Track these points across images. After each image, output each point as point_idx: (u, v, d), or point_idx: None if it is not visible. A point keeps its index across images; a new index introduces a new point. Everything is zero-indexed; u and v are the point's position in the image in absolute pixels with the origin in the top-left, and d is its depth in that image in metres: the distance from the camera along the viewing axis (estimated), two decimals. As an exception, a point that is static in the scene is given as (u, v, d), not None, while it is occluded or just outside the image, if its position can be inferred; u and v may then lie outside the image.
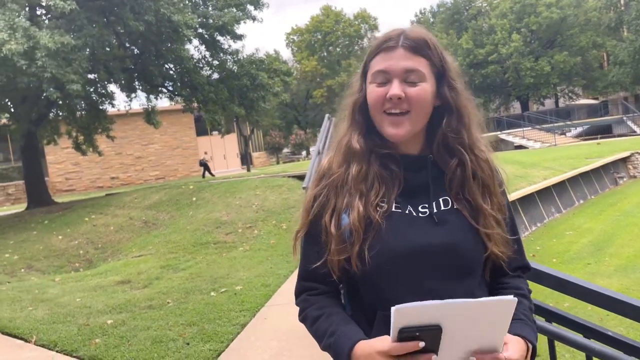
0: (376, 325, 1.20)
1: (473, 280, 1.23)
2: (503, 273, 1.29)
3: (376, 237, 1.18)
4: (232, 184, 12.03)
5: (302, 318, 1.28)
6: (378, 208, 1.20)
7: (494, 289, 1.29)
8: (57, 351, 4.31)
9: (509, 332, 1.13)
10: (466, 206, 1.23)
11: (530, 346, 1.18)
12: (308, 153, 41.30)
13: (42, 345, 4.45)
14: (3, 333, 4.89)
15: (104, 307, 5.35)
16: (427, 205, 1.23)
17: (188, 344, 4.16)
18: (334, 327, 1.20)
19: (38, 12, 13.63)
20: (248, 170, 25.07)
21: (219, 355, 3.98)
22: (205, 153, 27.21)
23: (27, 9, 12.64)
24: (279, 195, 10.37)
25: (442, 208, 1.24)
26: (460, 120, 1.25)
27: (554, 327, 1.47)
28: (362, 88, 1.28)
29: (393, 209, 1.21)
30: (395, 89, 1.19)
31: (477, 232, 1.22)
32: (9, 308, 5.62)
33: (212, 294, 5.51)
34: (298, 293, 1.32)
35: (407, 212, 1.22)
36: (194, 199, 11.37)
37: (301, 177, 11.01)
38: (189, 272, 6.66)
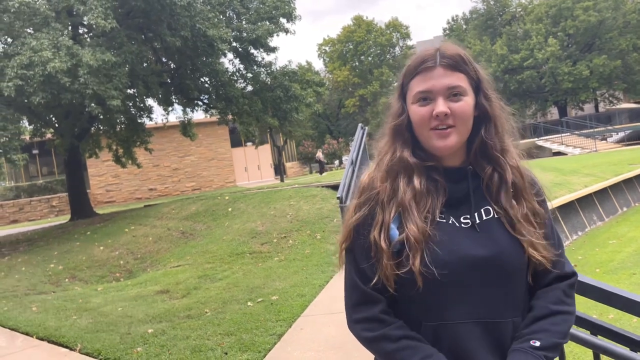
0: (422, 336, 1.22)
1: (518, 288, 1.25)
2: (546, 281, 1.29)
3: (427, 248, 1.20)
4: (267, 194, 12.14)
5: (379, 336, 1.23)
6: (425, 219, 1.22)
7: (532, 299, 1.29)
8: (100, 359, 4.43)
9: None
10: (505, 214, 1.26)
11: None
12: (341, 162, 41.30)
13: (87, 354, 4.59)
14: (49, 341, 5.06)
15: (145, 316, 5.47)
16: (468, 216, 1.25)
17: (226, 353, 4.22)
18: (429, 351, 1.19)
19: (80, 31, 14.17)
20: (282, 180, 25.27)
21: (256, 365, 4.02)
22: (320, 151, 29.22)
23: (70, 28, 13.15)
24: (313, 205, 10.41)
25: (484, 218, 1.26)
26: (495, 129, 1.30)
27: (600, 340, 1.44)
28: (403, 110, 1.30)
29: (438, 220, 1.24)
30: (441, 106, 1.22)
31: (517, 240, 1.24)
32: (54, 317, 5.81)
33: (249, 303, 5.57)
34: (359, 308, 1.27)
35: (450, 222, 1.25)
36: (230, 209, 11.53)
37: (335, 187, 11.02)
38: (226, 282, 6.75)
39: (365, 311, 1.26)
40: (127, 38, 12.94)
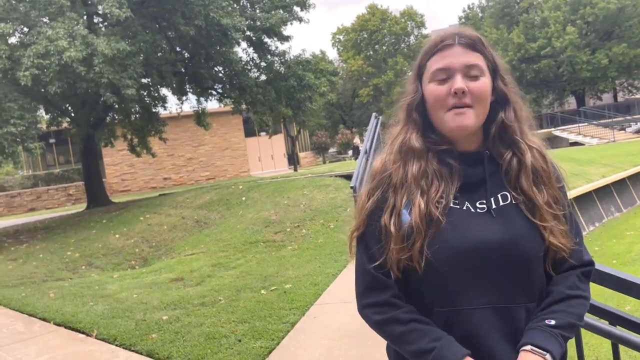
0: (433, 323, 1.21)
1: (533, 274, 1.23)
2: (563, 268, 1.27)
3: (436, 233, 1.18)
4: (280, 184, 12.16)
5: (389, 318, 1.23)
6: (437, 204, 1.20)
7: (549, 285, 1.27)
8: (116, 345, 4.49)
9: (526, 341, 1.17)
10: (524, 200, 1.24)
11: (548, 355, 1.14)
12: (354, 152, 41.18)
13: (103, 339, 4.65)
14: (66, 327, 5.14)
15: (159, 303, 5.53)
16: (484, 202, 1.23)
17: (240, 340, 4.24)
18: (438, 334, 1.18)
19: (95, 20, 14.23)
20: (295, 170, 25.29)
21: (270, 352, 4.04)
22: (357, 138, 31.10)
23: (85, 17, 13.21)
24: (326, 195, 10.40)
25: (501, 203, 1.24)
26: (514, 114, 1.28)
27: (619, 330, 1.41)
28: (417, 89, 1.29)
29: (451, 205, 1.22)
30: (459, 82, 1.21)
31: (535, 225, 1.22)
32: (71, 303, 5.90)
33: (263, 292, 5.59)
34: (370, 293, 1.27)
35: (464, 208, 1.22)
36: (244, 198, 11.57)
37: (348, 177, 11.00)
38: (240, 270, 6.79)
39: (376, 296, 1.26)
40: (142, 27, 12.97)
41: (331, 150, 44.23)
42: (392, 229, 1.21)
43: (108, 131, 17.24)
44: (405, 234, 1.20)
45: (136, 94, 12.38)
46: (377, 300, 1.25)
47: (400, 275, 1.23)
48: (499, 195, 1.24)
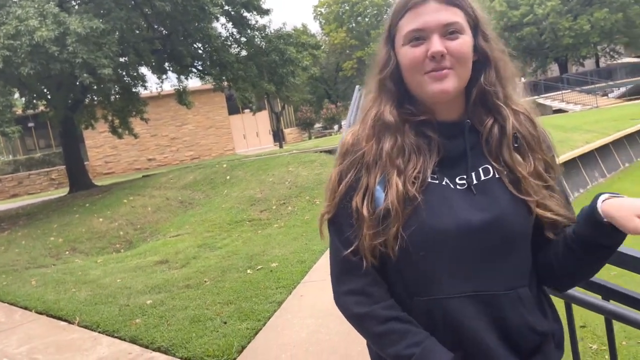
0: (414, 313, 1.10)
1: (518, 255, 1.10)
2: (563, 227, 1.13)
3: (412, 214, 1.06)
4: (265, 161, 12.02)
5: (367, 313, 1.10)
6: (414, 180, 1.07)
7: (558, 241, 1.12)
8: (99, 332, 4.40)
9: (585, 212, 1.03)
10: (507, 172, 1.10)
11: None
12: (340, 127, 40.94)
13: (85, 327, 4.56)
14: (48, 315, 5.04)
15: (144, 287, 5.44)
16: (465, 177, 1.10)
17: (225, 322, 4.17)
18: (418, 337, 1.06)
19: (67, -2, 13.75)
20: (280, 146, 25.08)
21: (256, 333, 3.97)
22: None
23: (56, -5, 12.74)
24: (312, 171, 10.30)
25: (482, 178, 1.10)
26: (497, 73, 1.13)
27: (613, 305, 1.33)
28: (389, 55, 1.14)
29: (429, 180, 1.09)
30: (437, 45, 1.06)
31: (522, 201, 1.09)
32: (53, 290, 5.79)
33: (249, 271, 5.52)
34: (345, 279, 1.14)
35: (443, 184, 1.09)
36: (228, 177, 11.43)
37: (333, 152, 10.89)
38: (225, 251, 6.70)
39: (352, 282, 1.12)
40: (115, 4, 12.55)
41: (317, 125, 43.93)
42: (365, 212, 1.08)
43: (87, 113, 16.83)
44: (379, 217, 1.07)
45: (113, 74, 12.04)
46: (354, 287, 1.12)
47: (376, 263, 1.11)
48: (480, 169, 1.11)
